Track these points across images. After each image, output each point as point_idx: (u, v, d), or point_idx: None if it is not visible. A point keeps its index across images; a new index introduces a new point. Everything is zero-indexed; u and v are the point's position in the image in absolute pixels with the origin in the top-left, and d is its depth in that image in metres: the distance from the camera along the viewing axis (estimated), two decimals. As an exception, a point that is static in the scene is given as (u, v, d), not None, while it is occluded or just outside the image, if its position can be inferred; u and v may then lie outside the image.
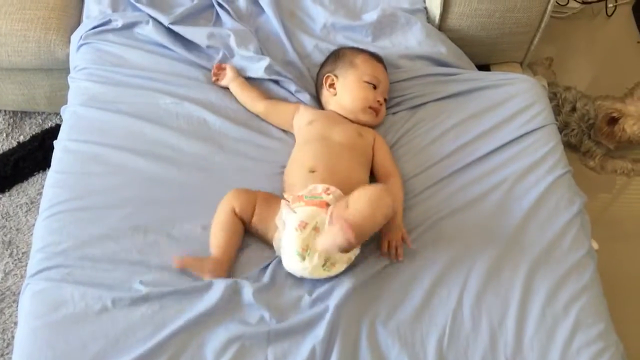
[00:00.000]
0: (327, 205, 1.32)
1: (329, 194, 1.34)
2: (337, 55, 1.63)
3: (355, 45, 1.70)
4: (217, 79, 1.64)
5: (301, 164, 1.44)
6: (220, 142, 1.52)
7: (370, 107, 1.55)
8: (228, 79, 1.62)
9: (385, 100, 1.59)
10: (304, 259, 1.27)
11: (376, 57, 1.63)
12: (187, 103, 1.57)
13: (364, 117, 1.56)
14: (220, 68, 1.65)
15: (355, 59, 1.59)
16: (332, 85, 1.59)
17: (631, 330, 1.57)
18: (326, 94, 1.60)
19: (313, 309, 1.27)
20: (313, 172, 1.40)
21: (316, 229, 1.29)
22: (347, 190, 1.35)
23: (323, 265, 1.29)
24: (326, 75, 1.60)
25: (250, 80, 1.64)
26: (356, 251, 1.32)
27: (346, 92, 1.56)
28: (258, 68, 1.64)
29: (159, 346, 1.20)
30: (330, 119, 1.54)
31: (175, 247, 1.35)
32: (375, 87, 1.56)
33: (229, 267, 1.33)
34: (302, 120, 1.55)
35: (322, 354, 1.21)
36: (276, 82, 1.65)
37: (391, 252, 1.35)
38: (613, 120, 2.07)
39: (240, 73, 1.64)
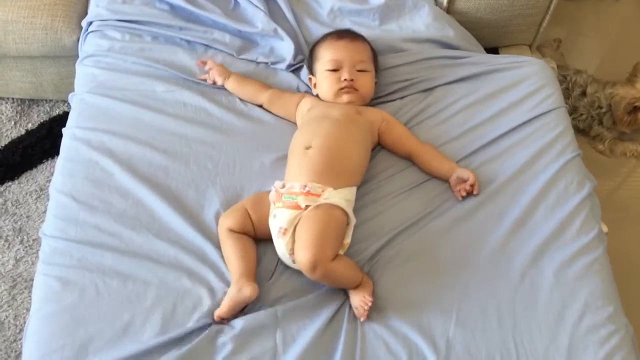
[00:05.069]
0: (301, 208, 1.31)
1: (306, 192, 1.32)
2: (310, 53, 1.62)
3: (361, 29, 1.68)
4: (208, 81, 1.60)
5: (299, 143, 1.43)
6: (227, 130, 1.52)
7: (340, 90, 1.53)
8: (221, 77, 1.58)
9: (360, 71, 1.53)
10: (294, 262, 1.29)
11: (337, 34, 1.60)
12: (194, 92, 1.57)
13: (343, 100, 1.53)
14: (203, 63, 1.61)
15: (318, 51, 1.58)
16: (315, 85, 1.58)
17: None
18: (315, 92, 1.59)
19: (321, 289, 1.30)
20: (308, 148, 1.39)
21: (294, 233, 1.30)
22: (343, 163, 1.38)
23: None
24: (309, 77, 1.60)
25: (246, 73, 1.62)
26: (349, 236, 1.33)
27: (319, 88, 1.56)
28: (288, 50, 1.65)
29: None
30: (329, 104, 1.54)
31: (189, 232, 1.36)
32: (338, 70, 1.53)
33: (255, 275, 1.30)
34: (304, 107, 1.54)
35: (330, 334, 1.23)
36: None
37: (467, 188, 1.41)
38: (635, 109, 2.05)
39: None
